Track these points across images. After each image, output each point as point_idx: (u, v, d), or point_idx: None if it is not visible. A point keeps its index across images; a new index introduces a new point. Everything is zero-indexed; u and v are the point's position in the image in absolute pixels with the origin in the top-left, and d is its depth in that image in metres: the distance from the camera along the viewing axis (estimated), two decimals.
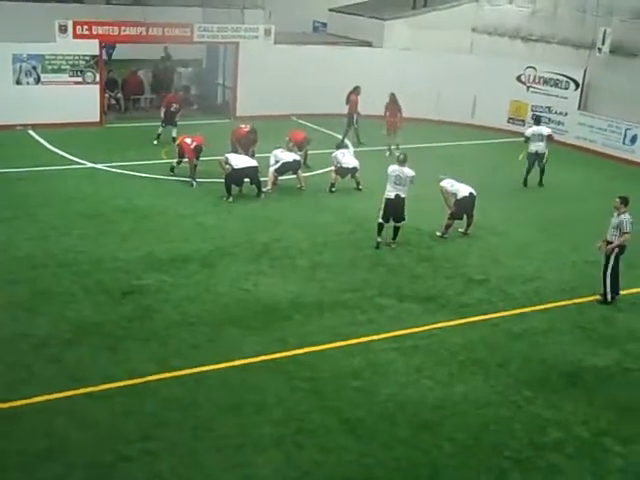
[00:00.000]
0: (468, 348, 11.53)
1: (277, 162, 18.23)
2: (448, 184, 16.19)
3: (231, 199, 17.35)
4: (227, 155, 17.74)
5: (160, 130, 21.71)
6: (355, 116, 23.09)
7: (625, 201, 13.12)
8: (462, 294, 13.41)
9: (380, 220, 15.18)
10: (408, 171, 15.14)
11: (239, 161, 17.49)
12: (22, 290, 12.47)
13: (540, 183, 20.26)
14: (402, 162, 15.24)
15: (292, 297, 12.83)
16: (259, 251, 14.69)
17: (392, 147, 21.83)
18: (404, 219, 15.28)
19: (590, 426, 9.85)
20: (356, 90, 23.11)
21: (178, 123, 21.79)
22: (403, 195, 15.14)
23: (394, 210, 15.15)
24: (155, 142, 21.73)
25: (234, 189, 17.57)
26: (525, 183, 20.20)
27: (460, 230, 16.24)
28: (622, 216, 12.98)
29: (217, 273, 13.61)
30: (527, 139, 20.34)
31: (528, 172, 20.21)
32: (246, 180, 17.69)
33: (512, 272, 14.47)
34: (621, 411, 10.20)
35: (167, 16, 26.45)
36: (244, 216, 16.64)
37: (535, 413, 10.02)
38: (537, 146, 20.13)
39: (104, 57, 25.16)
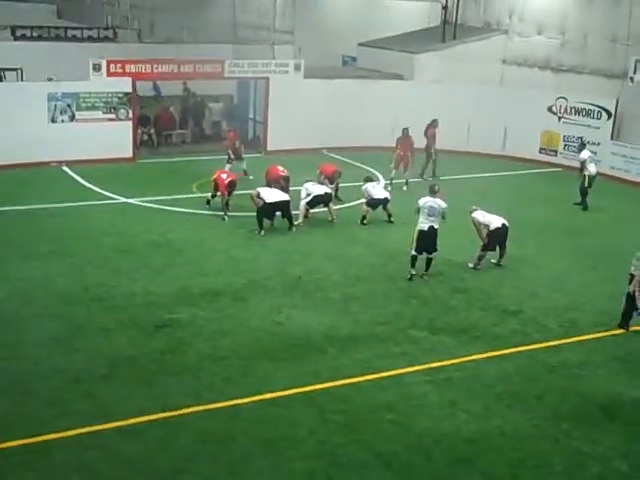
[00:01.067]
0: (504, 380, 11.38)
1: (308, 195, 18.28)
2: (480, 215, 16.11)
3: (263, 232, 17.40)
4: (259, 189, 17.83)
5: (228, 168, 21.83)
6: (433, 150, 23.19)
7: None
8: (496, 325, 13.27)
9: (414, 252, 15.12)
10: (441, 202, 15.12)
11: (271, 195, 17.56)
12: (58, 325, 12.56)
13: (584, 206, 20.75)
14: (435, 193, 15.23)
15: (325, 330, 12.78)
16: (291, 284, 14.69)
17: (407, 180, 21.75)
18: (436, 250, 15.21)
19: (630, 460, 9.65)
20: (434, 123, 23.27)
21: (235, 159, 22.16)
22: (436, 226, 15.10)
23: (427, 241, 15.10)
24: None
25: (266, 222, 17.62)
26: (586, 207, 20.55)
27: (493, 261, 16.11)
28: None
29: (249, 306, 13.61)
30: (583, 162, 20.73)
31: (585, 194, 20.62)
32: (278, 214, 17.74)
33: (547, 303, 14.31)
34: None
35: (198, 53, 26.88)
36: (276, 249, 16.67)
37: (574, 447, 9.84)
38: (593, 168, 20.65)
39: (154, 93, 25.46)
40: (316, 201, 18.38)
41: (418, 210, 15.15)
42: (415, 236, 15.11)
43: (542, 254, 17.03)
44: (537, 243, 17.68)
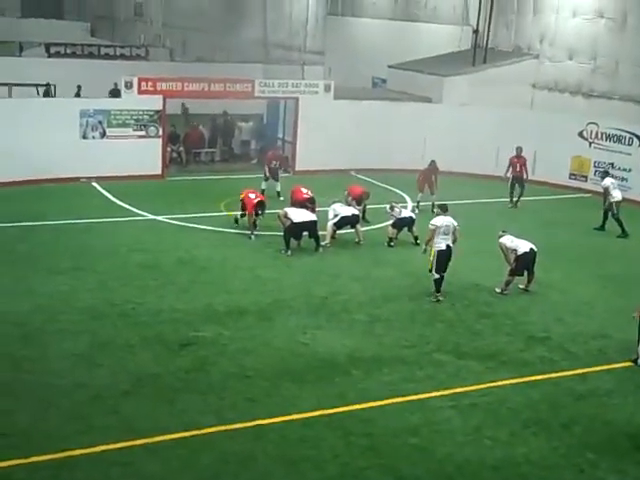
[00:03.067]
0: (530, 407, 11.23)
1: (336, 216, 18.27)
2: (508, 240, 15.99)
3: (290, 253, 17.40)
4: (286, 209, 17.86)
5: (264, 185, 21.98)
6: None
7: None
8: (523, 352, 13.13)
9: (437, 275, 15.03)
10: (453, 220, 15.22)
11: (298, 215, 17.58)
12: (83, 340, 12.61)
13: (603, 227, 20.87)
14: (446, 212, 15.42)
15: (349, 352, 12.72)
16: (317, 305, 14.65)
17: (434, 203, 21.61)
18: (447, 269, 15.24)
19: None
20: (517, 150, 23.22)
21: (272, 178, 22.39)
22: (452, 245, 15.11)
23: (447, 261, 15.05)
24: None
25: (293, 242, 17.62)
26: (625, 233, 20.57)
27: (520, 287, 15.98)
28: None
29: (274, 326, 13.59)
30: (606, 189, 20.81)
31: (619, 221, 20.56)
32: (305, 234, 17.75)
33: (574, 330, 14.14)
34: None
35: (229, 72, 27.10)
36: (302, 269, 16.66)
37: (599, 478, 9.68)
38: (618, 194, 20.75)
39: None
40: (343, 222, 18.36)
41: (434, 230, 15.12)
42: (434, 257, 15.05)
43: (569, 279, 16.86)
44: (564, 268, 17.50)
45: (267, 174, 22.34)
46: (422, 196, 21.83)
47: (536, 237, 16.69)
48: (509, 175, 23.15)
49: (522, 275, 15.87)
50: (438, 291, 15.09)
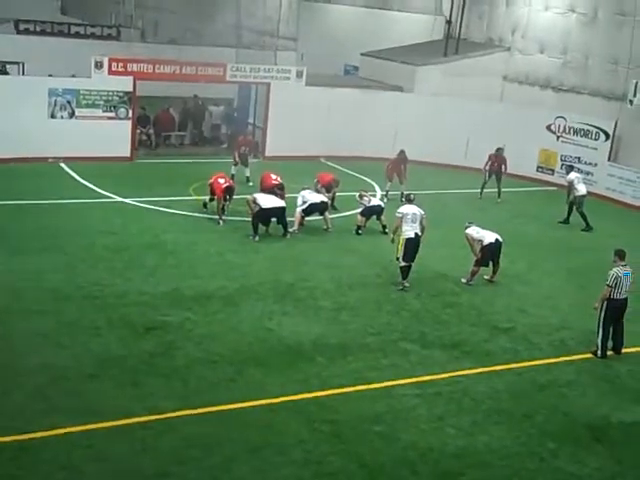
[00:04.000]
0: (492, 397, 11.37)
1: (304, 203, 18.28)
2: (474, 231, 16.13)
3: (257, 238, 17.38)
4: (255, 195, 17.83)
5: (233, 170, 21.90)
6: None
7: (619, 254, 13.02)
8: (487, 342, 13.27)
9: (403, 263, 15.13)
10: (420, 209, 15.35)
11: (267, 201, 17.56)
12: (47, 321, 12.52)
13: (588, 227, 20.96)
14: (412, 201, 15.61)
15: (315, 338, 12.77)
16: (283, 291, 14.67)
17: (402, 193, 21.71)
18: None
19: None
20: (498, 151, 23.31)
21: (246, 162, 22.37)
22: (420, 234, 15.22)
23: (415, 250, 15.17)
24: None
25: (261, 228, 17.61)
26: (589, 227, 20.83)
27: (485, 277, 16.13)
28: (612, 270, 12.85)
29: (241, 312, 13.59)
30: (571, 183, 21.09)
31: (583, 215, 20.80)
32: (273, 220, 17.74)
33: (538, 321, 14.31)
34: None
35: (201, 55, 26.89)
36: (270, 256, 16.66)
37: (559, 467, 9.83)
38: (583, 188, 21.03)
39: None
40: (312, 209, 18.38)
41: (401, 218, 15.26)
42: (402, 245, 15.14)
43: (533, 271, 17.06)
44: (529, 260, 17.70)
45: (236, 159, 22.30)
46: (391, 185, 21.89)
47: (503, 229, 16.89)
48: (487, 169, 23.25)
49: (487, 266, 16.02)
50: (404, 279, 15.19)
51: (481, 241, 15.89)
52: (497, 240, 15.94)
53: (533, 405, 11.24)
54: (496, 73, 28.45)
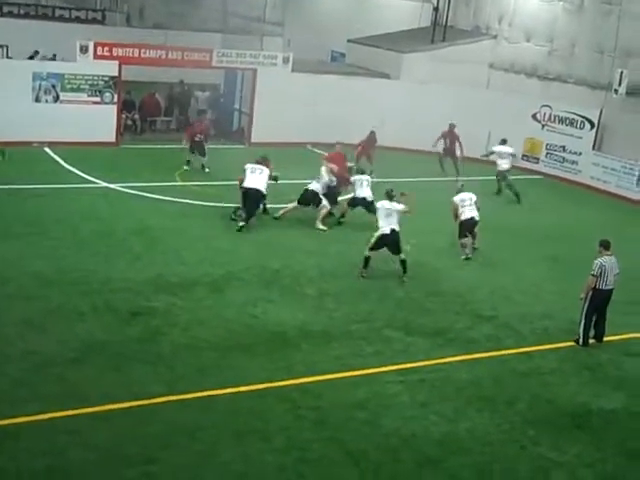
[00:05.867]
0: (475, 384, 11.47)
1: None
2: (459, 200, 16.80)
3: (241, 222, 17.22)
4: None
5: (190, 157, 21.77)
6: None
7: (604, 244, 13.13)
8: (470, 330, 13.37)
9: (367, 253, 15.17)
10: (397, 205, 15.32)
11: (248, 180, 17.29)
12: (31, 307, 12.48)
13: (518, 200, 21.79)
14: (391, 198, 15.50)
15: (300, 325, 12.82)
16: (269, 278, 14.71)
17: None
18: (400, 252, 15.33)
19: (595, 469, 9.76)
20: (450, 126, 23.90)
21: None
22: (397, 229, 15.25)
23: (390, 245, 15.21)
24: (185, 167, 21.78)
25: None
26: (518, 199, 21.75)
27: (467, 254, 16.57)
28: (597, 259, 12.97)
29: (226, 298, 13.62)
30: (491, 153, 22.34)
31: (510, 187, 21.91)
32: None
33: (521, 310, 14.42)
34: (629, 456, 10.10)
35: (187, 40, 26.78)
36: (256, 242, 16.67)
37: (540, 454, 9.94)
38: (504, 163, 21.95)
39: None
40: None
41: (375, 212, 15.66)
42: (374, 239, 15.19)
43: (517, 260, 17.16)
44: (513, 249, 17.81)
45: (191, 148, 21.82)
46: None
47: (487, 217, 16.98)
48: (438, 148, 23.77)
49: (467, 237, 16.71)
50: (365, 267, 15.19)
51: (460, 215, 16.61)
52: (472, 218, 16.66)
53: (515, 392, 11.34)
54: (483, 61, 28.52)
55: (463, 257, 16.54)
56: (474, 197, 17.00)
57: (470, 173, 22.86)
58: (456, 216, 16.75)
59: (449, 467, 9.48)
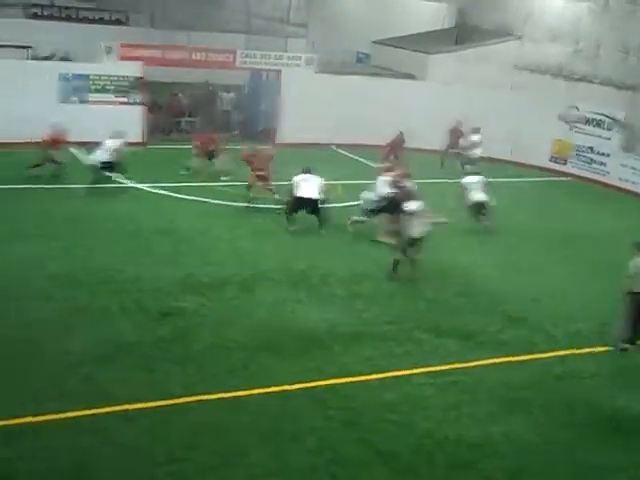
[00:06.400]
0: (508, 387, 11.31)
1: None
2: (466, 181, 17.93)
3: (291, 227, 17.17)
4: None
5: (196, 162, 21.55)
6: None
7: (638, 247, 12.93)
8: (501, 332, 13.19)
9: (398, 256, 14.89)
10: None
11: (302, 189, 17.07)
12: (61, 307, 12.48)
13: None
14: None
15: (329, 326, 12.71)
16: (297, 278, 14.61)
17: None
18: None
19: (630, 473, 9.61)
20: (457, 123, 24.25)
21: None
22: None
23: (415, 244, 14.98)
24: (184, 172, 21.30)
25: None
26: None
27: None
28: (631, 261, 12.79)
29: (255, 298, 13.55)
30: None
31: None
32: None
33: (552, 312, 14.22)
34: None
35: (211, 41, 26.79)
36: (284, 242, 16.58)
37: (576, 458, 9.77)
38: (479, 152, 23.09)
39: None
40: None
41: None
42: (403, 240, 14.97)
43: (546, 262, 16.95)
44: (544, 250, 17.61)
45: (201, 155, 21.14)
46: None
47: (511, 218, 16.80)
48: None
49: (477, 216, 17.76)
50: (395, 270, 14.95)
51: (469, 197, 17.66)
52: (479, 201, 17.69)
53: (550, 396, 11.18)
54: (507, 62, 28.31)
55: (482, 228, 17.48)
56: (483, 179, 17.56)
57: (496, 174, 22.68)
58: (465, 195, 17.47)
59: (483, 470, 9.34)
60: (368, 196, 17.34)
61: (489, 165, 23.26)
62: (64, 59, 26.93)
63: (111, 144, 18.96)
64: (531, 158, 25.79)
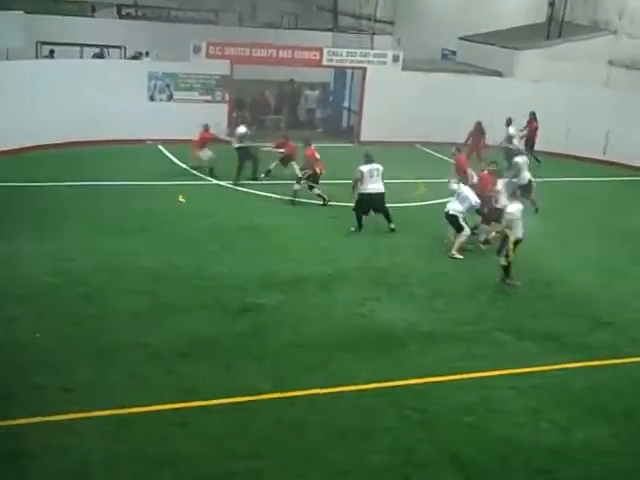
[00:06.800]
0: (591, 392, 10.98)
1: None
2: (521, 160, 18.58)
3: (354, 229, 16.95)
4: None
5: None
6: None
7: None
8: (585, 335, 12.82)
9: (505, 262, 14.40)
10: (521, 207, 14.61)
11: (369, 185, 16.61)
12: (144, 301, 12.73)
13: None
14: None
15: (407, 325, 12.61)
16: (376, 277, 14.54)
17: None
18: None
19: None
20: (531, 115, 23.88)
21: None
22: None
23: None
24: (262, 175, 21.07)
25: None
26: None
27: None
28: None
29: (334, 296, 13.54)
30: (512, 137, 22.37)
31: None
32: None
33: (639, 316, 13.75)
34: None
35: (297, 39, 26.94)
36: (363, 241, 16.53)
37: None
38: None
39: None
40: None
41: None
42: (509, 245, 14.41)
43: (632, 265, 16.37)
44: (628, 252, 17.04)
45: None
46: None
47: (600, 219, 16.30)
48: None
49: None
50: (507, 276, 14.49)
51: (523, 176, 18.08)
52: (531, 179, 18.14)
53: (635, 403, 10.80)
54: (601, 57, 27.44)
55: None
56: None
57: (587, 174, 22.13)
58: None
59: (562, 478, 9.09)
60: (463, 207, 15.97)
61: (578, 163, 22.67)
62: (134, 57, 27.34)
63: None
64: (625, 157, 24.95)
